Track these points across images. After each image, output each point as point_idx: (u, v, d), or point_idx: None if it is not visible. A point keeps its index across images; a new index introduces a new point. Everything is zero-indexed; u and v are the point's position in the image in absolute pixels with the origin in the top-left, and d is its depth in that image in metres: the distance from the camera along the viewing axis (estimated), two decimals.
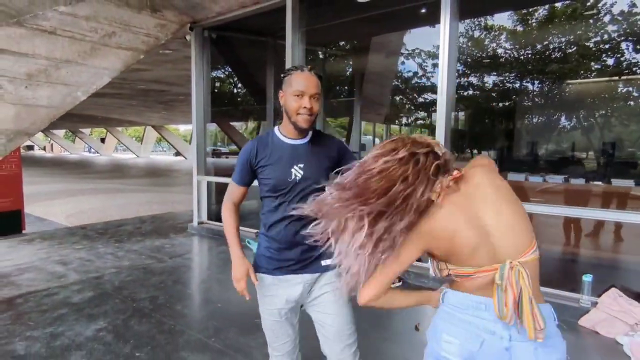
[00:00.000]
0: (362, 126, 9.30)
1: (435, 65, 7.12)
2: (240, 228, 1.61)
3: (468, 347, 1.01)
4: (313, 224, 1.06)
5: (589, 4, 6.01)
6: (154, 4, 4.57)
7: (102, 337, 2.68)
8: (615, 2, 5.56)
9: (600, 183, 4.68)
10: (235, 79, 8.38)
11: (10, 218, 5.46)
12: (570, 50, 6.75)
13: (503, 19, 7.43)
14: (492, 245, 0.98)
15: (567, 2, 6.12)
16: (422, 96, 9.21)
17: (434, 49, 7.12)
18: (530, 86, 7.77)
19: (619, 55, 6.24)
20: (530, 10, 6.89)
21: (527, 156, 6.81)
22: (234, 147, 11.55)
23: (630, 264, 4.17)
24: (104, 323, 2.87)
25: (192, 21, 5.39)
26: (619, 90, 6.60)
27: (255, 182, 1.59)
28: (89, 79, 4.32)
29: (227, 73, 8.24)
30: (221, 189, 5.93)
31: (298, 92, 1.42)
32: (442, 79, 3.66)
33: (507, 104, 8.14)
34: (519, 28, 7.33)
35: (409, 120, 9.98)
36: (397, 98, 9.44)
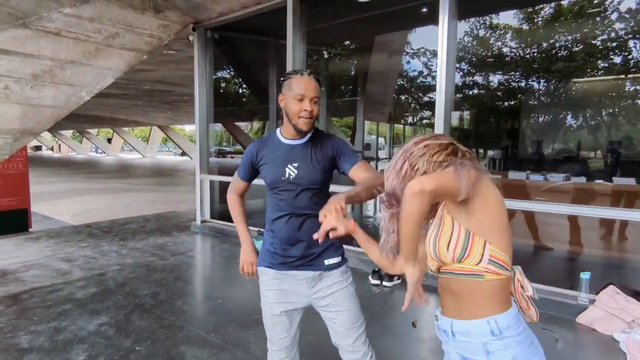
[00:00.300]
0: (367, 126, 9.32)
1: None
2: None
3: None
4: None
5: (596, 1, 5.97)
6: (157, 5, 4.63)
7: (103, 331, 2.73)
8: None
9: (601, 181, 4.66)
10: (240, 79, 8.45)
11: (17, 216, 5.56)
12: (576, 49, 6.72)
13: (509, 18, 7.41)
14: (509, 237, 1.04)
15: None
16: (427, 95, 9.19)
17: None
18: (536, 85, 7.74)
19: (626, 54, 6.20)
20: (536, 8, 6.86)
21: (532, 155, 6.78)
22: (239, 147, 11.62)
23: (630, 262, 4.15)
24: (106, 318, 2.93)
25: (195, 22, 5.45)
26: (626, 89, 6.55)
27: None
28: (93, 79, 4.39)
29: (232, 74, 8.32)
30: (224, 188, 5.97)
31: (299, 95, 1.47)
32: (441, 78, 3.69)
33: (512, 103, 8.12)
34: (525, 26, 7.31)
35: (414, 120, 9.97)
36: (402, 97, 9.43)
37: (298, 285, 1.57)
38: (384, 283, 3.58)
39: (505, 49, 7.90)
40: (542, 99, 7.74)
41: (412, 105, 9.73)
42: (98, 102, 15.15)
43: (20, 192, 5.60)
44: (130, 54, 4.67)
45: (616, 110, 7.02)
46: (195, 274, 4.19)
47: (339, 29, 5.97)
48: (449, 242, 1.02)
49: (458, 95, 8.25)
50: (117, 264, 4.21)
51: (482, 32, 7.88)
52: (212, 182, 5.96)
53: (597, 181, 4.70)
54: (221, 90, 8.48)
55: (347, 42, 7.99)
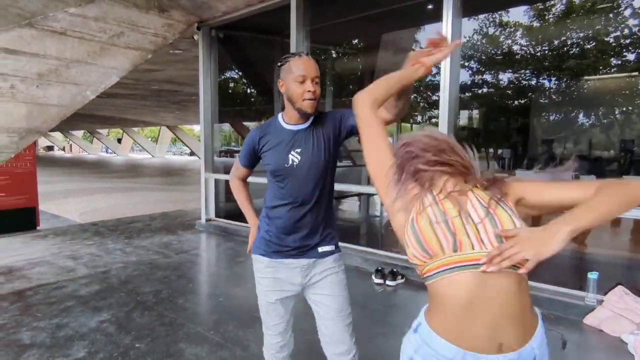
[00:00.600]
0: None
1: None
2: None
3: None
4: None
5: None
6: (162, 4, 4.65)
7: (104, 328, 2.74)
8: None
9: (612, 180, 4.56)
10: (247, 79, 8.46)
11: (26, 215, 5.62)
12: (588, 46, 6.61)
13: (519, 15, 7.32)
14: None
15: None
16: (437, 94, 9.10)
17: None
18: (546, 83, 7.63)
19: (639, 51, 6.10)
20: (547, 5, 6.76)
21: (543, 154, 6.69)
22: None
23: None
24: (107, 315, 2.94)
25: (200, 20, 5.46)
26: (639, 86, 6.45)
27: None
28: (98, 79, 4.42)
29: (240, 74, 8.34)
30: (230, 188, 5.98)
31: (300, 77, 1.43)
32: (445, 77, 3.64)
33: (522, 101, 8.02)
34: (536, 24, 7.21)
35: (423, 119, 9.90)
36: (411, 96, 9.38)
37: (292, 273, 1.57)
38: (387, 282, 3.54)
39: (515, 47, 7.80)
40: (553, 97, 7.63)
41: (421, 104, 9.66)
42: (108, 102, 15.33)
43: (29, 191, 5.67)
44: (135, 53, 4.70)
45: (629, 108, 6.89)
46: (198, 271, 4.20)
47: (344, 27, 5.94)
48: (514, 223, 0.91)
49: (467, 94, 8.18)
50: (121, 262, 4.24)
51: (491, 30, 7.79)
52: (217, 181, 5.97)
53: (607, 179, 4.61)
54: (230, 91, 8.51)
55: (352, 41, 7.95)
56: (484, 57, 8.13)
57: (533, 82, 7.68)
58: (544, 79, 7.60)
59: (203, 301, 3.38)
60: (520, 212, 0.96)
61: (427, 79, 8.63)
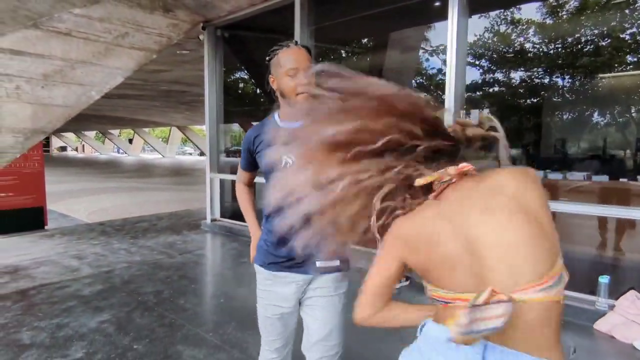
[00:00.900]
0: None
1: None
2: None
3: None
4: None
5: None
6: (166, 4, 4.65)
7: (104, 328, 2.73)
8: None
9: (625, 180, 4.42)
10: (254, 79, 8.46)
11: (33, 214, 5.68)
12: (603, 43, 6.48)
13: (531, 12, 7.19)
14: (481, 267, 0.71)
15: None
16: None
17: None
18: (560, 81, 7.49)
19: None
20: (561, 1, 6.65)
21: (555, 154, 6.55)
22: None
23: None
24: (108, 315, 2.93)
25: (204, 20, 5.45)
26: None
27: None
28: (102, 79, 4.44)
29: (248, 74, 8.34)
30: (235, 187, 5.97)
31: (291, 70, 1.33)
32: (450, 77, 3.58)
33: (535, 100, 7.89)
34: (548, 21, 7.08)
35: None
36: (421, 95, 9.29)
37: (287, 288, 1.45)
38: None
39: (527, 45, 7.67)
40: (567, 95, 7.48)
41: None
42: (119, 103, 15.52)
43: (36, 191, 5.73)
44: (140, 53, 4.70)
45: None
46: (200, 272, 4.18)
47: (350, 26, 5.88)
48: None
49: (478, 93, 8.06)
50: (125, 262, 4.24)
51: (502, 28, 7.67)
52: (222, 181, 5.96)
53: (621, 180, 4.48)
54: (239, 91, 8.52)
55: (359, 40, 7.89)
56: (495, 56, 8.01)
57: (546, 81, 7.54)
58: (557, 77, 7.46)
59: (204, 302, 3.36)
60: None
61: (437, 78, 8.53)
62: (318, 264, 1.42)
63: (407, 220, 0.79)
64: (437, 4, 4.71)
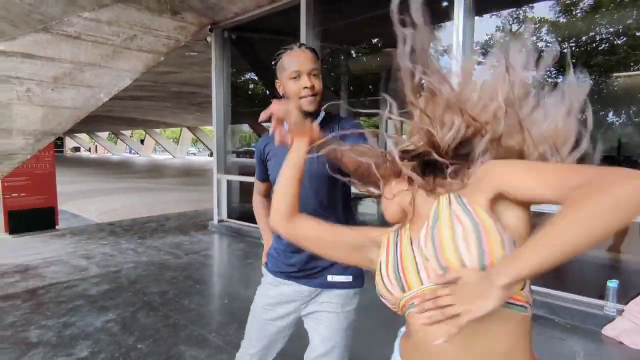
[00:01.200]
0: (391, 125, 9.12)
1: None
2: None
3: None
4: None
5: None
6: (174, 6, 4.70)
7: (109, 328, 2.77)
8: None
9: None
10: (262, 80, 8.49)
11: (45, 214, 5.79)
12: (618, 42, 6.37)
13: (544, 11, 7.11)
14: None
15: None
16: None
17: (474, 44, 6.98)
18: None
19: None
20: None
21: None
22: None
23: None
24: (113, 315, 2.97)
25: (212, 22, 5.49)
26: None
27: None
28: (111, 81, 4.50)
29: (257, 75, 8.37)
30: (242, 188, 6.01)
31: (294, 73, 1.30)
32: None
33: None
34: (562, 19, 6.99)
35: None
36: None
37: (289, 299, 1.43)
38: None
39: (540, 44, 7.56)
40: None
41: None
42: (131, 105, 15.73)
43: (48, 191, 5.84)
44: (148, 55, 4.76)
45: None
46: (206, 273, 4.21)
47: (356, 26, 5.86)
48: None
49: None
50: (132, 262, 4.29)
51: (514, 27, 7.58)
52: (229, 182, 6.00)
53: None
54: (249, 92, 8.55)
55: (366, 40, 7.86)
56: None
57: (559, 80, 7.44)
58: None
59: (208, 303, 3.38)
60: (508, 215, 0.68)
61: None
62: (329, 277, 1.38)
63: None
64: (444, 3, 4.67)
